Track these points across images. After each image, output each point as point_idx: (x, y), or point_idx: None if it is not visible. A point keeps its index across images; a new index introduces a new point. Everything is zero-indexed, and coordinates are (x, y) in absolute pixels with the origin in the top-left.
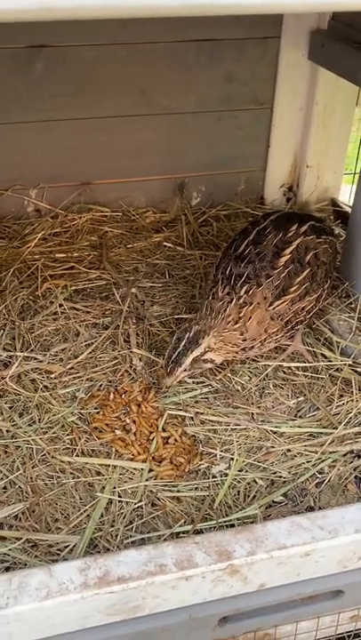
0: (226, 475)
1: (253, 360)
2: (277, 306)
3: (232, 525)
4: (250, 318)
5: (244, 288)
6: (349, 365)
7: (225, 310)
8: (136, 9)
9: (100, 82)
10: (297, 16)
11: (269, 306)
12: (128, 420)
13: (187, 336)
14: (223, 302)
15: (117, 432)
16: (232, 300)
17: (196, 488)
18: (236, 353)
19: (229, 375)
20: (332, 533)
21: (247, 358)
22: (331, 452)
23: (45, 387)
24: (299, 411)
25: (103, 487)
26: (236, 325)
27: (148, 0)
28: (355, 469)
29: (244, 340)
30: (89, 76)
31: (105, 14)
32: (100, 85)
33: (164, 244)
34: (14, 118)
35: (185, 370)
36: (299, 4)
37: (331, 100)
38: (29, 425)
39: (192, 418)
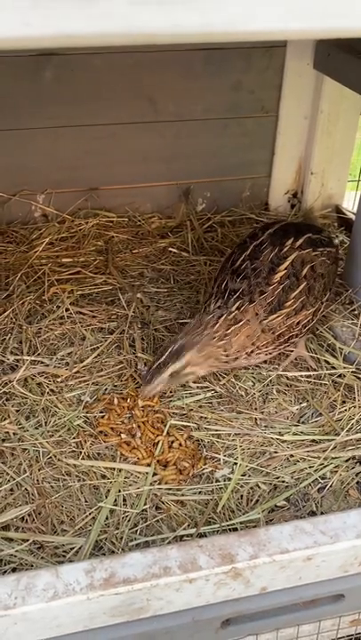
0: (229, 479)
1: (257, 366)
2: (272, 320)
3: (235, 529)
4: (237, 335)
5: (237, 304)
6: (352, 372)
7: (213, 326)
8: (148, 36)
9: (108, 89)
10: None
11: (263, 320)
12: (134, 425)
13: (170, 349)
14: (213, 316)
15: (123, 436)
16: (222, 315)
17: (200, 492)
18: (218, 367)
19: (233, 380)
20: (334, 538)
21: (248, 366)
22: (333, 458)
23: (52, 390)
24: (302, 416)
25: (108, 490)
26: (221, 342)
27: (155, 29)
28: (357, 475)
29: (228, 356)
30: (97, 83)
31: (128, 41)
32: (108, 93)
33: (170, 249)
34: (23, 124)
35: (162, 383)
36: (300, 31)
37: (335, 109)
38: (36, 428)
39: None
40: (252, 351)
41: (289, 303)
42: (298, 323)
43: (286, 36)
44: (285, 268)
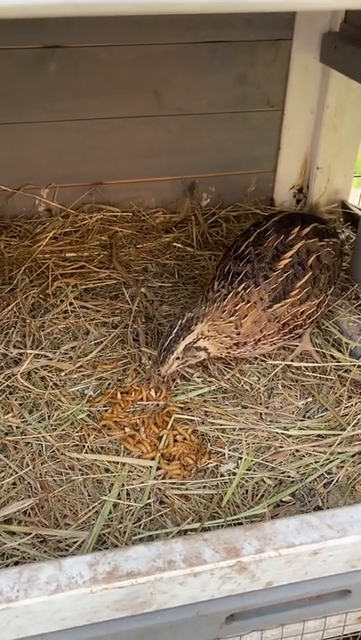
0: (234, 474)
1: (262, 360)
2: (277, 309)
3: (240, 524)
4: (245, 316)
5: (242, 285)
6: (358, 366)
7: (222, 300)
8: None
9: (112, 82)
10: (309, 18)
11: (268, 308)
12: (138, 419)
13: (179, 323)
14: (220, 294)
15: (127, 430)
16: (229, 292)
17: (205, 486)
18: (230, 347)
19: (238, 375)
20: (341, 532)
21: (254, 358)
22: (339, 453)
23: (55, 384)
24: (307, 411)
25: (112, 484)
26: (232, 318)
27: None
28: None
29: (238, 335)
30: (102, 76)
31: (137, 10)
32: (112, 86)
33: (174, 244)
34: (27, 118)
35: (178, 358)
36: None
37: (342, 103)
38: (39, 422)
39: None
40: (259, 339)
41: (294, 292)
42: (302, 312)
43: (303, 7)
44: (291, 256)
